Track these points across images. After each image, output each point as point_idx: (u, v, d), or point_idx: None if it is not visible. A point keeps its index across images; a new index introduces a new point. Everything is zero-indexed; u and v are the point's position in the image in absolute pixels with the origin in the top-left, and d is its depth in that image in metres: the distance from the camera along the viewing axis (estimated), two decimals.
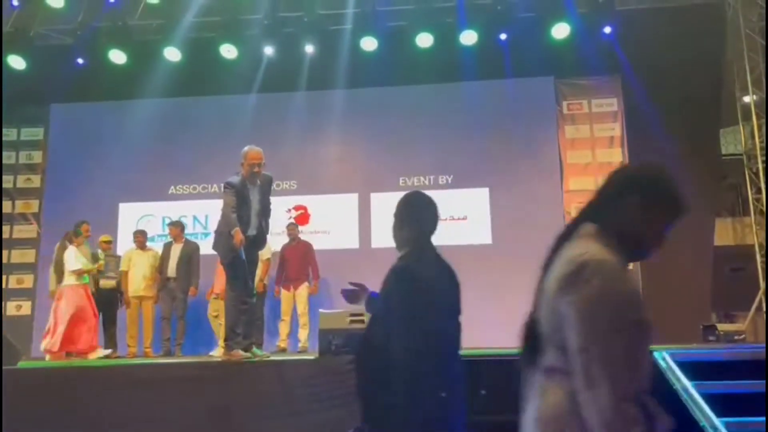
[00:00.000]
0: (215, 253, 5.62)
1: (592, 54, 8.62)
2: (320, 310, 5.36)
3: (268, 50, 8.94)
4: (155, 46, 8.88)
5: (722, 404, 3.73)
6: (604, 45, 8.68)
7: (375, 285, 8.58)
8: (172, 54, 8.86)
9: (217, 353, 7.37)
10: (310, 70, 9.07)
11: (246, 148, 5.57)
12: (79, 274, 6.85)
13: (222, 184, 5.64)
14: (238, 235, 5.19)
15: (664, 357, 4.28)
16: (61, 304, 6.75)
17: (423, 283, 2.41)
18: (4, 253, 9.10)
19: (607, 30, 8.58)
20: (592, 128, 9.06)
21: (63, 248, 7.05)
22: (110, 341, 7.41)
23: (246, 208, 5.43)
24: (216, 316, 7.60)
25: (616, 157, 8.93)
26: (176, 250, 7.82)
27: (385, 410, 2.22)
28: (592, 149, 9.02)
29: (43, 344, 6.72)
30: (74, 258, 6.86)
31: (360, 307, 5.12)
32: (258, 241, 5.53)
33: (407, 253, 2.55)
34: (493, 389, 3.01)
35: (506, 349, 6.03)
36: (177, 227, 8.02)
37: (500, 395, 3.01)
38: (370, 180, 9.20)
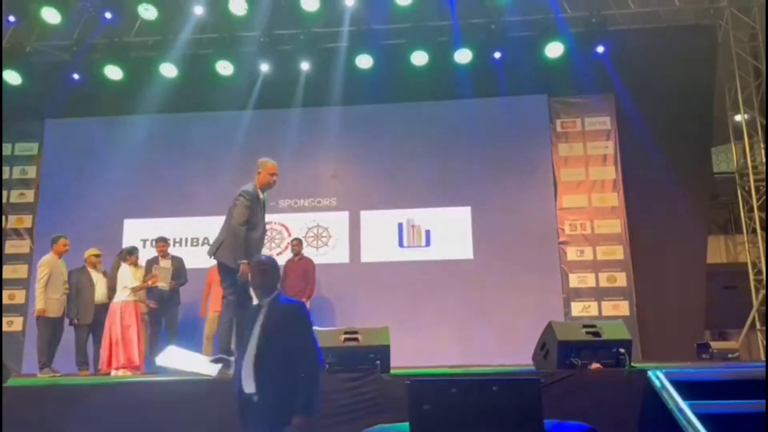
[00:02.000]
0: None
1: (586, 73, 8.73)
2: (314, 327, 5.32)
3: (264, 67, 8.99)
4: (151, 63, 8.91)
5: (718, 424, 3.72)
6: (597, 64, 8.78)
7: (365, 297, 8.49)
8: (168, 70, 8.89)
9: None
10: (305, 87, 9.14)
11: (264, 159, 5.52)
12: (136, 290, 7.21)
13: (238, 196, 5.31)
14: (244, 269, 4.92)
15: (659, 376, 4.28)
16: (117, 320, 6.97)
17: None
18: None
19: (600, 49, 8.68)
20: (586, 146, 9.13)
21: (117, 267, 7.39)
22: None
23: (254, 230, 5.23)
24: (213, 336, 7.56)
25: (609, 174, 9.00)
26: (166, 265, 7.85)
27: None
28: (586, 167, 9.08)
29: (106, 360, 6.88)
30: (131, 275, 7.20)
31: (354, 326, 5.12)
32: None
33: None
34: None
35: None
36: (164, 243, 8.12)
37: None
38: (361, 197, 9.25)
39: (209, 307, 7.72)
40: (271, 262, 3.50)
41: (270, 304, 3.38)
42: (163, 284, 7.64)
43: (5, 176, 9.59)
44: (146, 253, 8.42)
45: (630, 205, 8.80)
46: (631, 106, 8.80)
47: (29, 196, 9.58)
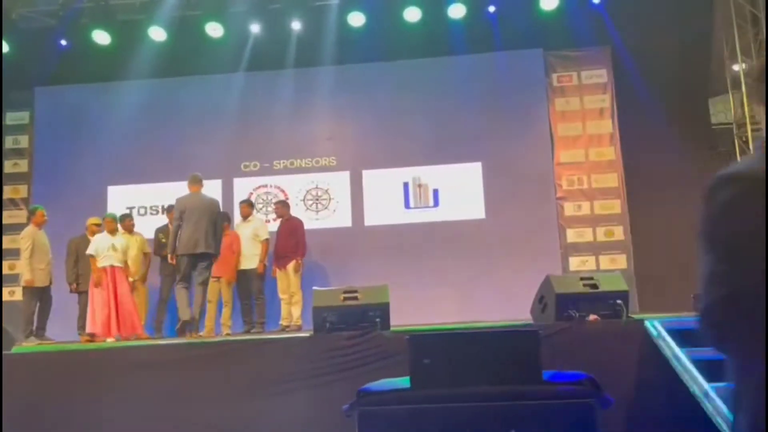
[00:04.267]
0: None
1: (582, 25, 8.58)
2: (314, 287, 5.37)
3: (255, 27, 8.84)
4: (139, 26, 8.74)
5: (713, 370, 3.78)
6: (594, 16, 8.63)
7: (367, 262, 8.58)
8: (157, 34, 8.73)
9: (205, 334, 7.43)
10: (297, 47, 8.98)
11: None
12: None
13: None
14: None
15: (656, 325, 4.33)
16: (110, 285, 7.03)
17: None
18: None
19: (596, 0, 8.51)
20: (582, 100, 9.05)
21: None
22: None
23: None
24: (216, 300, 7.66)
25: (605, 128, 8.94)
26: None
27: None
28: (583, 121, 9.01)
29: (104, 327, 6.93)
30: (109, 241, 7.14)
31: (354, 285, 5.16)
32: None
33: None
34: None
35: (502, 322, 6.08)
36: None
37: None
38: (362, 156, 9.17)
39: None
40: None
41: None
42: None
43: None
44: (141, 221, 8.47)
45: (627, 159, 8.76)
46: (628, 58, 8.68)
47: (23, 165, 9.52)
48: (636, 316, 4.79)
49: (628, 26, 8.60)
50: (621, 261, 8.58)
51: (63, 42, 8.91)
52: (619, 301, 4.76)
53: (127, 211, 8.43)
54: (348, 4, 8.68)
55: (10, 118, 9.60)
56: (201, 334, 7.31)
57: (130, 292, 7.18)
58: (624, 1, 8.48)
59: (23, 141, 9.59)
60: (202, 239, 6.41)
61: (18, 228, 9.20)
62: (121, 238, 7.30)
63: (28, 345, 6.82)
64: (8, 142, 9.57)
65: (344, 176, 9.15)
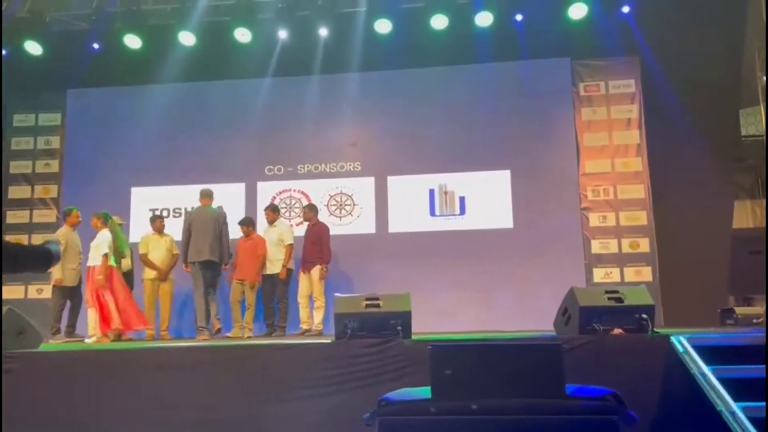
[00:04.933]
0: None
1: (610, 34, 8.52)
2: (336, 294, 5.38)
3: (282, 34, 8.91)
4: (170, 31, 8.86)
5: (740, 389, 3.71)
6: (622, 25, 8.57)
7: (392, 270, 8.58)
8: (187, 38, 8.85)
9: (233, 334, 7.51)
10: (324, 54, 9.04)
11: None
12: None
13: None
14: None
15: (682, 341, 4.26)
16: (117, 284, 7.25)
17: None
18: (25, 237, 9.24)
19: (626, 9, 8.46)
20: (609, 110, 8.98)
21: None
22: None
23: None
24: (239, 301, 7.78)
25: (633, 139, 8.85)
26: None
27: None
28: (609, 131, 8.93)
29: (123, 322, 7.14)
30: (107, 241, 7.23)
31: (376, 292, 5.17)
32: None
33: None
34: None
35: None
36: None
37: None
38: (387, 162, 9.19)
39: (234, 276, 7.90)
40: None
41: None
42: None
43: (31, 147, 9.77)
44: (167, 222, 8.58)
45: (654, 170, 8.66)
46: (657, 68, 8.59)
47: (54, 166, 9.73)
48: (661, 331, 4.71)
49: (656, 36, 8.51)
50: (646, 273, 8.48)
51: (95, 45, 9.06)
52: (644, 316, 4.69)
53: (157, 213, 8.53)
54: (375, 12, 8.69)
55: (43, 119, 9.85)
56: (229, 335, 7.46)
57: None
58: (653, 10, 8.38)
59: (54, 142, 9.80)
60: (207, 248, 7.16)
61: (48, 227, 9.42)
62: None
63: (56, 343, 6.95)
64: (40, 142, 9.81)
65: (369, 182, 9.17)
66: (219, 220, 7.36)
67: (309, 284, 7.82)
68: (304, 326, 7.76)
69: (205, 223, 7.28)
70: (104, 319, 7.01)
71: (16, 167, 9.75)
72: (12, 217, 9.55)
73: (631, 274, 8.53)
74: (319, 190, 9.23)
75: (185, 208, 8.93)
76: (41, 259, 2.67)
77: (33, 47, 8.86)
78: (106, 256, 7.05)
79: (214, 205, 7.68)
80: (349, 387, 4.48)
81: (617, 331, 4.68)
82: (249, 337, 7.42)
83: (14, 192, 9.68)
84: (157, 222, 8.08)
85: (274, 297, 7.89)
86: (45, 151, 9.79)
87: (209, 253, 7.16)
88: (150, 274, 7.91)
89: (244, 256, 7.83)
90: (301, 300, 7.83)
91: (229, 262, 7.68)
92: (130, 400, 4.57)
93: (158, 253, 7.92)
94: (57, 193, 9.59)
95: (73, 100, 9.80)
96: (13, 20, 8.75)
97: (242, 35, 8.85)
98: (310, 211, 8.20)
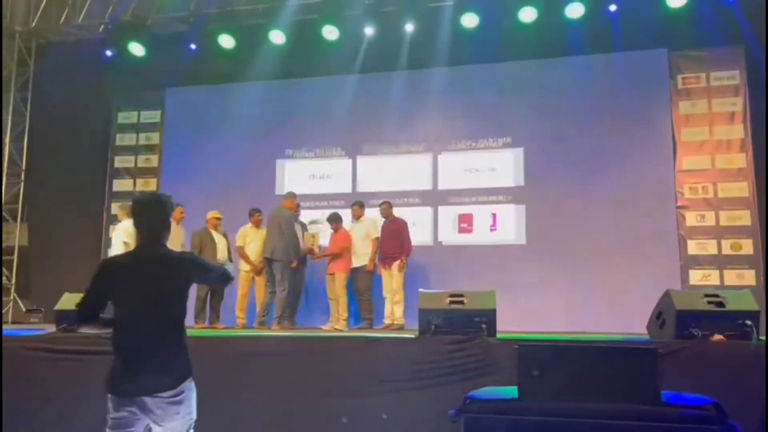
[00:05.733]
0: None
1: (712, 23, 8.01)
2: (420, 289, 5.39)
3: (369, 30, 8.98)
4: (261, 30, 9.15)
5: None
6: (725, 13, 8.02)
7: (472, 267, 8.38)
8: (277, 37, 9.10)
9: (327, 327, 7.70)
10: (410, 49, 9.05)
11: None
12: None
13: None
14: None
15: None
16: None
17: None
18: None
19: None
20: (710, 103, 8.47)
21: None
22: (215, 315, 7.90)
23: None
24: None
25: (736, 133, 8.33)
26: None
27: None
28: (710, 126, 8.44)
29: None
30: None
31: (459, 289, 5.14)
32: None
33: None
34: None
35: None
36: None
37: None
38: None
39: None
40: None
41: None
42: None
43: (133, 142, 10.42)
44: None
45: (760, 167, 8.10)
46: (763, 58, 8.01)
47: (153, 161, 10.32)
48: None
49: (763, 24, 7.93)
50: (749, 277, 7.96)
51: (192, 46, 9.50)
52: (748, 322, 4.42)
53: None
54: (462, 5, 8.61)
55: (144, 116, 10.48)
56: (325, 327, 7.66)
57: None
58: None
59: (154, 138, 10.39)
60: (270, 246, 7.69)
61: None
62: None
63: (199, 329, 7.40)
64: (141, 138, 10.46)
65: None
66: (278, 219, 7.76)
67: (391, 279, 7.89)
68: (387, 320, 7.85)
69: (272, 223, 7.80)
70: None
71: (120, 162, 10.44)
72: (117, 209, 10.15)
73: (732, 277, 8.04)
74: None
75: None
76: (224, 277, 3.33)
77: (136, 48, 9.40)
78: (126, 244, 7.21)
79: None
80: (432, 383, 4.48)
81: (717, 337, 4.43)
82: (337, 329, 7.57)
83: (119, 185, 10.34)
84: (255, 215, 8.31)
85: (363, 290, 8.03)
86: (146, 146, 10.40)
87: (269, 251, 7.67)
88: (246, 265, 8.17)
89: (333, 251, 8.07)
90: (387, 295, 7.93)
91: (295, 260, 7.79)
92: (217, 385, 4.74)
93: (255, 246, 8.14)
94: (156, 187, 10.13)
95: (172, 98, 10.34)
96: (118, 24, 9.34)
97: (330, 32, 9.00)
98: (388, 207, 8.27)
